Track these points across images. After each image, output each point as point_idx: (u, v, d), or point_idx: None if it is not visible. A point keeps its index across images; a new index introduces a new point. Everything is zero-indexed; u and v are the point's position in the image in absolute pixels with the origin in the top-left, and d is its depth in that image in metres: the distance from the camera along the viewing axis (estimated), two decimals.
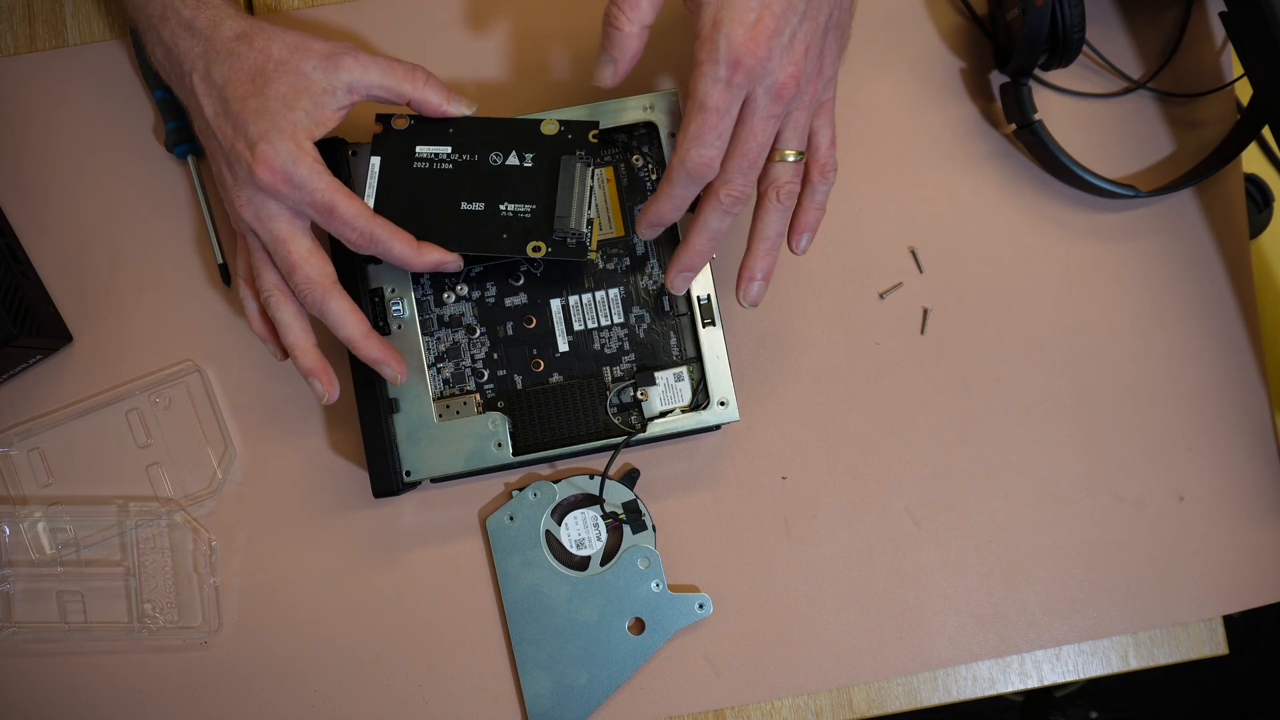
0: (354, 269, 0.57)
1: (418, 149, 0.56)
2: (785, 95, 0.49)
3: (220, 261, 0.63)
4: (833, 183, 0.54)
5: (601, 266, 0.59)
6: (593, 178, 0.56)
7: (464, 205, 0.55)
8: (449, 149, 0.56)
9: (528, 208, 0.55)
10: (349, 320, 0.53)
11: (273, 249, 0.53)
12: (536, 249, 0.55)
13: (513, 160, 0.56)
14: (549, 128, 0.56)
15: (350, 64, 0.52)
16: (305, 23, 0.64)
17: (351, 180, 0.57)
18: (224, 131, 0.52)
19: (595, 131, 0.56)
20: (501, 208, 0.55)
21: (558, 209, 0.55)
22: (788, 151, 0.52)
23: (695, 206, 0.53)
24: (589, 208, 0.55)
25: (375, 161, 0.56)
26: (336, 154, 0.57)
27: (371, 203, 0.55)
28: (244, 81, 0.51)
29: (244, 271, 0.57)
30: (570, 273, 0.59)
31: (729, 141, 0.50)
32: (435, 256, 0.54)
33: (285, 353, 0.57)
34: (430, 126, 0.56)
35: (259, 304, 0.56)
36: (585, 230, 0.55)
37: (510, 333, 0.59)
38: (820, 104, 0.53)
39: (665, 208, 0.52)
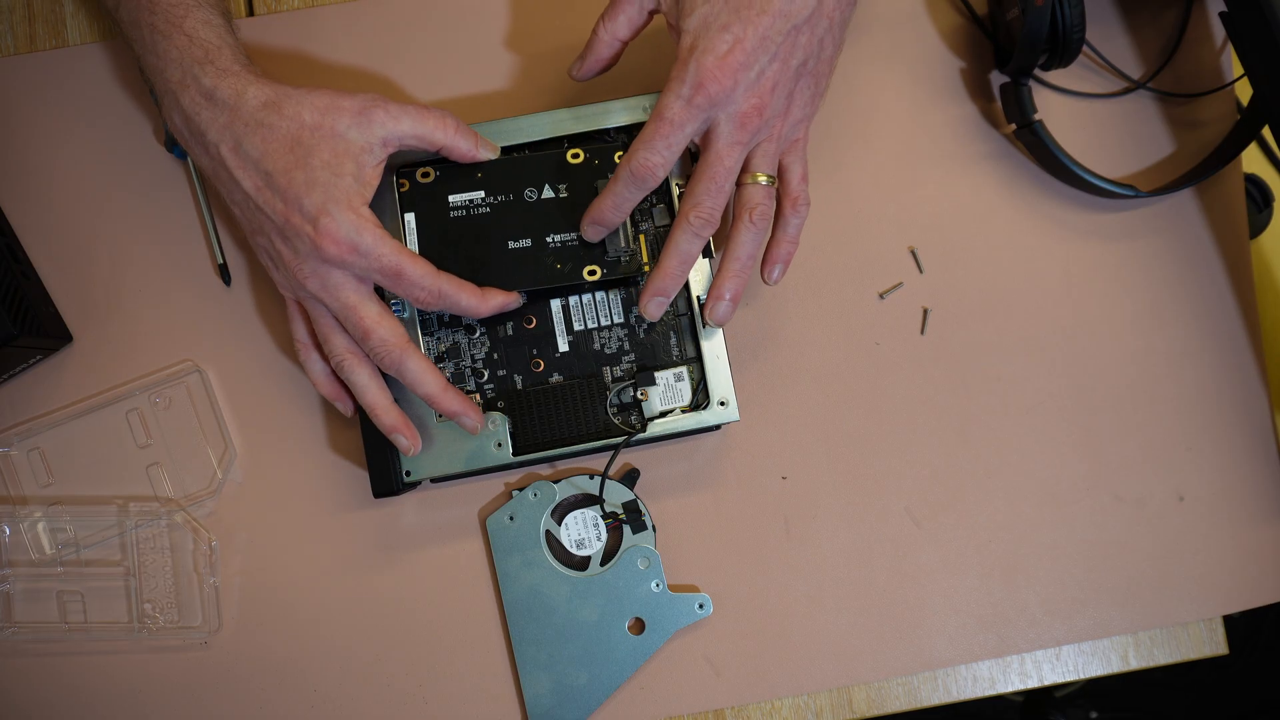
0: None
1: (450, 198, 0.57)
2: (749, 125, 0.52)
3: (220, 261, 0.63)
4: (804, 216, 0.57)
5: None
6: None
7: (511, 244, 0.56)
8: (482, 193, 0.57)
9: (574, 235, 0.57)
10: (427, 377, 0.54)
11: (343, 316, 0.54)
12: (593, 273, 0.57)
13: (548, 193, 0.57)
14: (574, 158, 0.57)
15: (382, 117, 0.52)
16: (305, 24, 0.65)
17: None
18: (274, 206, 0.52)
19: (620, 153, 0.58)
20: (549, 240, 0.57)
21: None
22: (759, 175, 0.54)
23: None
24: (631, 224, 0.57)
25: (410, 218, 0.57)
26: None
27: None
28: (283, 153, 0.51)
29: (303, 335, 0.58)
30: None
31: (699, 168, 0.53)
32: (499, 300, 0.56)
33: (355, 409, 0.58)
34: (456, 174, 0.57)
35: (324, 366, 0.58)
36: (635, 246, 0.57)
37: (510, 333, 0.59)
38: (791, 142, 0.55)
39: (607, 206, 0.55)
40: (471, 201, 0.57)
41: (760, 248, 0.55)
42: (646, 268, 0.57)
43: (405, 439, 0.55)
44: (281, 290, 0.57)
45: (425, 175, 0.57)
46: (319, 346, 0.57)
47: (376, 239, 0.51)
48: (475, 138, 0.56)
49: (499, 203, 0.57)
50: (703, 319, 0.57)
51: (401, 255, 0.52)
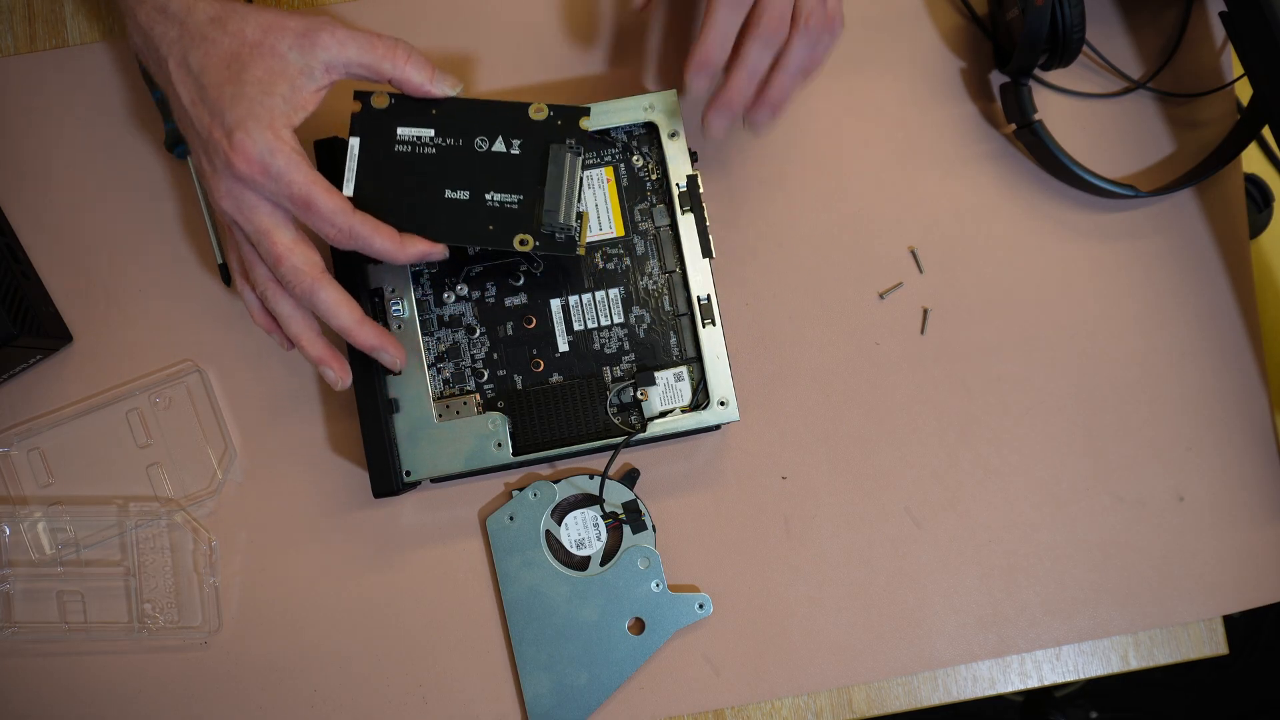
0: (352, 268, 0.57)
1: (399, 130, 0.53)
2: None
3: (220, 261, 0.63)
4: (818, 43, 0.54)
5: (601, 266, 0.59)
6: (583, 169, 0.55)
7: (448, 193, 0.53)
8: (432, 131, 0.53)
9: (515, 198, 0.53)
10: (340, 309, 0.52)
11: (256, 242, 0.52)
12: (523, 242, 0.53)
13: (499, 146, 0.54)
14: (537, 113, 0.54)
15: (327, 40, 0.50)
16: None
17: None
18: (201, 119, 0.51)
19: (586, 118, 0.54)
20: (488, 197, 0.53)
21: (546, 202, 0.53)
22: None
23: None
24: (579, 201, 0.54)
25: (354, 143, 0.53)
26: (337, 156, 0.57)
27: (350, 188, 0.53)
28: (220, 67, 0.50)
29: (237, 265, 0.56)
30: (570, 272, 0.59)
31: None
32: (420, 249, 0.53)
33: (291, 343, 0.56)
34: (412, 106, 0.54)
35: (257, 295, 0.56)
36: (575, 225, 0.54)
37: (510, 333, 0.59)
38: None
39: (713, 40, 0.52)
40: (419, 139, 0.53)
41: (809, 61, 0.53)
42: (581, 249, 0.54)
43: (333, 371, 0.54)
44: (217, 217, 0.55)
45: (380, 100, 0.54)
46: None
47: (290, 163, 0.49)
48: (431, 70, 0.53)
49: (446, 146, 0.53)
50: (744, 122, 0.54)
51: (314, 185, 0.50)
